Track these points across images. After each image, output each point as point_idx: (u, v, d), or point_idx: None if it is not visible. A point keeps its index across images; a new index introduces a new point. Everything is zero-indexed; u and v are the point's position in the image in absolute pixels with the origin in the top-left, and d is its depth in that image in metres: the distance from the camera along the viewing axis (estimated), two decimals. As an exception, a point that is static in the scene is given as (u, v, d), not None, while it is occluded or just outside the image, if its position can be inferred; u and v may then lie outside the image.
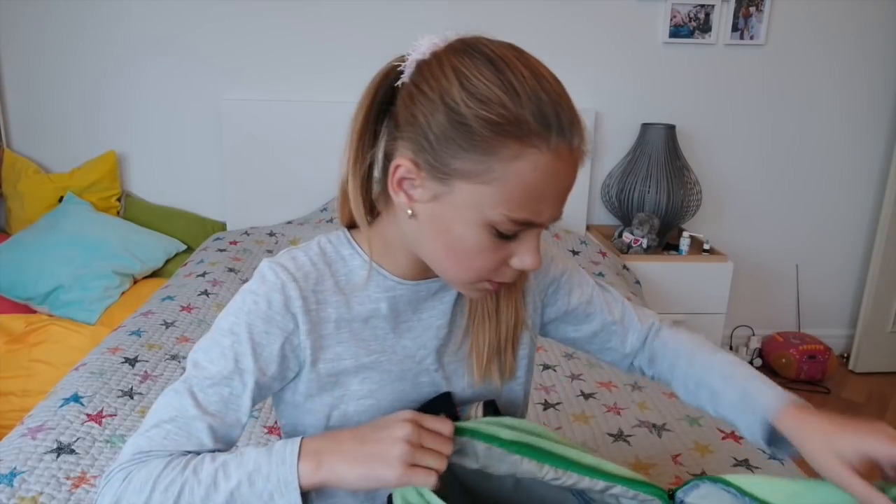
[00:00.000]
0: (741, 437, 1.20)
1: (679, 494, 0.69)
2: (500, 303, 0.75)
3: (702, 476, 0.70)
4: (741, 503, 0.65)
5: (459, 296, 0.74)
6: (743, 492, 0.65)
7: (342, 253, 0.71)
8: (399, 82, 0.63)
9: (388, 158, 0.65)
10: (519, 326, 0.77)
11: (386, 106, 0.65)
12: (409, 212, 0.63)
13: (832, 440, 0.63)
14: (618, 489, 0.67)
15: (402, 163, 0.61)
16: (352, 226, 0.73)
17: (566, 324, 0.84)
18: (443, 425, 0.63)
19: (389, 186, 0.63)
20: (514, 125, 0.56)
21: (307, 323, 0.67)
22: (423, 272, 0.71)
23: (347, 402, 0.70)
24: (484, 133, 0.56)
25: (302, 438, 0.62)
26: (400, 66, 0.64)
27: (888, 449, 0.60)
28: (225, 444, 0.65)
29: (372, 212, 0.70)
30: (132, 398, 1.24)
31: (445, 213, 0.61)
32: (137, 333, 1.51)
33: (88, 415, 1.16)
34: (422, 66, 0.62)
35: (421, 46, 0.63)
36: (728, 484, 0.66)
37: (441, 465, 0.60)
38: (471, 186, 0.59)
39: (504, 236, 0.61)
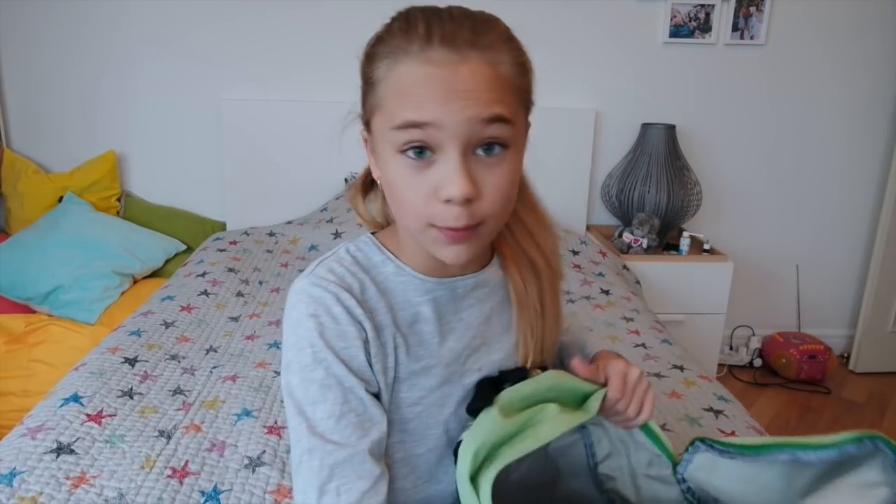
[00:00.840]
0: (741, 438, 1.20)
1: (679, 471, 0.72)
2: (544, 296, 0.74)
3: (693, 442, 0.73)
4: (731, 458, 0.68)
5: (493, 290, 0.74)
6: (729, 445, 0.69)
7: (374, 259, 0.69)
8: None
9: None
10: (559, 317, 0.77)
11: None
12: (379, 182, 0.67)
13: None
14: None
15: (362, 130, 0.67)
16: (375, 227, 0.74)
17: None
18: None
19: (370, 161, 0.68)
20: (382, 46, 0.61)
21: (372, 329, 0.65)
22: (453, 269, 0.70)
23: (395, 409, 0.69)
24: (369, 68, 0.62)
25: None
26: None
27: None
28: (382, 453, 0.66)
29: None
30: (132, 398, 1.24)
31: (379, 160, 0.64)
32: (137, 333, 1.51)
33: (88, 415, 1.16)
34: None
35: None
36: (716, 444, 0.70)
37: None
38: (376, 121, 0.63)
39: (411, 156, 0.59)
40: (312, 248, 2.17)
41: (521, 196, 0.73)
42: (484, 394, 0.68)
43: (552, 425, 0.65)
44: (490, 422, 0.63)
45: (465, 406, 0.71)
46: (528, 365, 0.74)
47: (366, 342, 0.65)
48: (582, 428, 0.78)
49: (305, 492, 0.61)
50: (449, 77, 0.57)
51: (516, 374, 0.70)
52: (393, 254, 0.69)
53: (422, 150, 0.59)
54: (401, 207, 0.62)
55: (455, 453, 0.64)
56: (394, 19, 0.63)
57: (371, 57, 0.62)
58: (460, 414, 0.71)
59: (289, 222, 2.42)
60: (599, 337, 0.90)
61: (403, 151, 0.59)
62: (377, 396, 0.67)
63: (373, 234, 0.73)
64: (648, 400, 0.72)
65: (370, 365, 0.66)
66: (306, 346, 0.63)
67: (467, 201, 0.58)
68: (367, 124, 0.65)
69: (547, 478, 0.78)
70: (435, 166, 0.59)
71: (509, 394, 0.67)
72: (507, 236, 0.74)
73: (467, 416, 0.70)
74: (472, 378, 0.72)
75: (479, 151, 0.59)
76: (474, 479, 0.61)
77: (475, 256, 0.68)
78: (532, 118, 0.69)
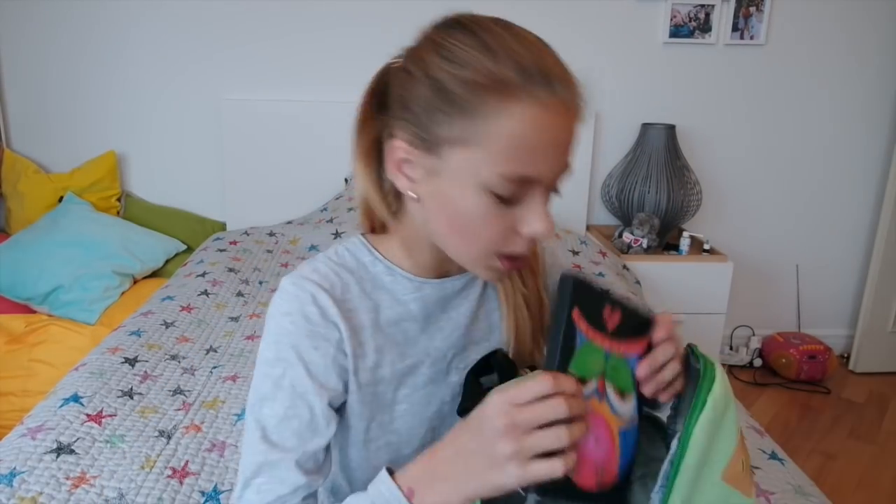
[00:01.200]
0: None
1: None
2: (527, 288, 0.74)
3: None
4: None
5: (484, 290, 0.74)
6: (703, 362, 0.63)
7: (362, 260, 0.70)
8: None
9: (386, 138, 0.65)
10: (545, 313, 0.77)
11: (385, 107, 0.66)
12: (413, 195, 0.63)
13: None
14: None
15: (398, 143, 0.62)
16: (370, 231, 0.73)
17: None
18: (539, 385, 0.51)
19: (389, 171, 0.64)
20: (492, 80, 0.56)
21: (348, 330, 0.65)
22: (446, 269, 0.71)
23: (384, 411, 0.69)
24: (463, 94, 0.56)
25: (393, 475, 0.58)
26: (395, 62, 0.65)
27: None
28: (316, 471, 0.64)
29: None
30: (132, 398, 1.24)
31: (444, 185, 0.60)
32: (137, 333, 1.51)
33: (88, 415, 1.16)
34: (408, 49, 0.63)
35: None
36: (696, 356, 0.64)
37: (565, 437, 0.50)
38: (461, 151, 0.58)
39: (505, 200, 0.58)
40: (312, 248, 2.17)
41: None
42: (472, 392, 0.68)
43: None
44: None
45: (455, 407, 0.71)
46: (517, 350, 0.74)
47: (339, 342, 0.65)
48: None
49: (239, 476, 0.64)
50: (564, 127, 0.58)
51: (502, 363, 0.69)
52: (383, 255, 0.70)
53: (513, 196, 0.59)
54: (469, 239, 0.61)
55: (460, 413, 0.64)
56: (476, 39, 0.57)
57: (463, 82, 0.56)
58: (446, 413, 0.72)
59: (289, 222, 2.42)
60: None
61: (494, 193, 0.58)
62: (342, 406, 0.68)
63: (363, 235, 0.73)
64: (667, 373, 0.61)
65: (345, 367, 0.66)
66: (272, 343, 0.64)
67: None
68: (430, 146, 0.60)
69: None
70: (520, 205, 0.60)
71: (498, 386, 0.66)
72: None
73: (459, 417, 0.70)
74: (457, 377, 0.72)
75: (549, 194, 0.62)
76: None
77: None
78: None
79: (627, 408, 0.59)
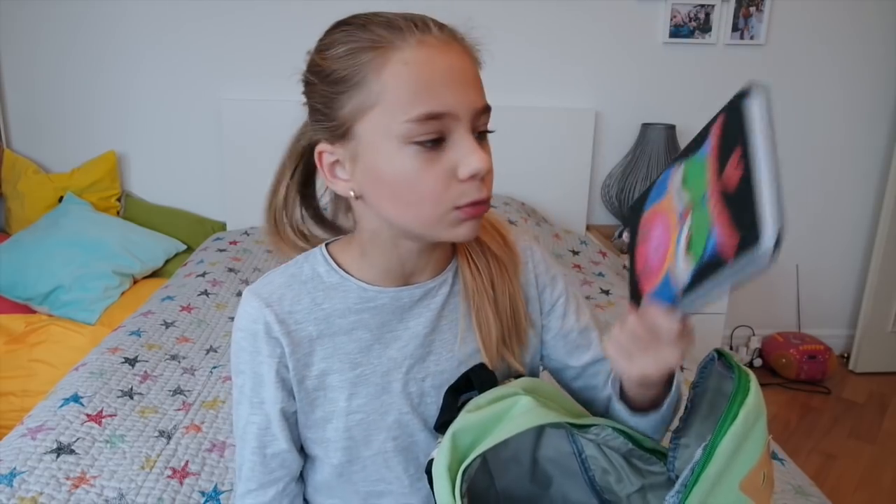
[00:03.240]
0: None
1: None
2: (496, 294, 0.73)
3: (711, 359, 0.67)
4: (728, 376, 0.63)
5: (447, 300, 0.73)
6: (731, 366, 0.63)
7: (318, 270, 0.71)
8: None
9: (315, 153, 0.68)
10: (520, 314, 0.74)
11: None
12: (353, 193, 0.64)
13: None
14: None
15: (321, 147, 0.65)
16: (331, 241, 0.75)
17: (561, 345, 0.79)
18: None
19: (327, 181, 0.66)
20: (366, 42, 0.59)
21: (290, 345, 0.68)
22: (403, 278, 0.71)
23: (339, 417, 0.70)
24: (344, 66, 0.60)
25: None
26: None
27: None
28: (280, 468, 0.73)
29: (335, 228, 0.75)
30: (132, 398, 1.24)
31: (369, 161, 0.61)
32: (137, 333, 1.51)
33: (88, 415, 1.16)
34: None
35: None
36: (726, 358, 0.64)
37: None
38: (367, 119, 0.60)
39: (428, 145, 0.59)
40: (312, 248, 2.17)
41: None
42: (449, 407, 0.68)
43: (529, 417, 0.62)
44: (459, 421, 0.63)
45: (416, 418, 0.71)
46: (491, 366, 0.72)
47: (282, 356, 0.69)
48: (573, 441, 0.74)
49: (236, 470, 0.75)
50: (448, 55, 0.60)
51: (482, 377, 0.68)
52: (339, 265, 0.71)
53: (436, 140, 0.59)
54: (416, 200, 0.61)
55: (428, 472, 0.63)
56: (345, 25, 0.63)
57: (341, 56, 0.60)
58: (406, 422, 0.72)
59: (289, 222, 2.42)
60: None
61: (417, 143, 0.59)
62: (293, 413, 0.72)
63: (327, 244, 0.74)
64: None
65: (285, 379, 0.70)
66: (233, 356, 0.71)
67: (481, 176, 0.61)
68: (342, 133, 0.62)
69: (536, 489, 0.76)
70: (448, 150, 0.60)
71: (475, 399, 0.65)
72: None
73: (435, 431, 0.70)
74: (416, 387, 0.72)
75: (475, 136, 0.62)
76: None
77: (435, 259, 0.71)
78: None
79: (683, 268, 0.55)
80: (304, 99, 0.68)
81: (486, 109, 0.62)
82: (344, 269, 0.70)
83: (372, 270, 0.70)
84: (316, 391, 0.70)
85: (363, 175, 0.63)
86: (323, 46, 0.63)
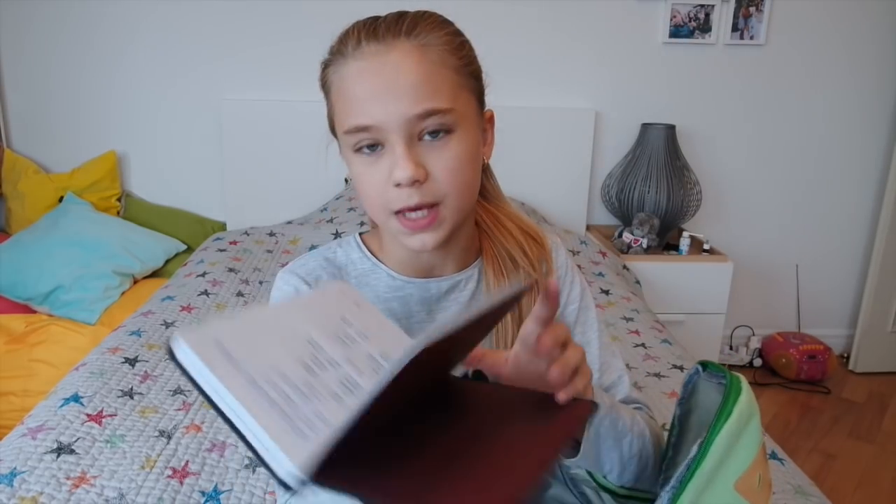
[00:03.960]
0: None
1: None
2: (522, 301, 0.72)
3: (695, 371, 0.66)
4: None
5: (475, 294, 0.74)
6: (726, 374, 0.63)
7: (352, 257, 0.73)
8: None
9: None
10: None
11: None
12: (347, 181, 0.69)
13: None
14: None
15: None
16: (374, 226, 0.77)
17: None
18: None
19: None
20: (328, 54, 0.67)
21: None
22: (424, 270, 0.71)
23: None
24: (322, 75, 0.69)
25: None
26: None
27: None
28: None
29: None
30: (132, 398, 1.24)
31: (345, 161, 0.69)
32: (137, 333, 1.51)
33: (88, 415, 1.16)
34: None
35: None
36: (717, 369, 0.65)
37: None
38: (336, 126, 0.68)
39: (366, 151, 0.64)
40: (312, 248, 2.16)
41: (488, 190, 0.76)
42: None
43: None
44: None
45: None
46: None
47: None
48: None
49: None
50: (378, 69, 0.62)
51: (475, 379, 0.67)
52: (372, 253, 0.73)
53: (373, 146, 0.64)
54: (365, 201, 0.67)
55: None
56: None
57: (323, 67, 0.68)
58: None
59: (289, 222, 2.42)
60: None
61: (358, 150, 0.65)
62: None
63: (361, 234, 0.77)
64: (579, 381, 0.54)
65: None
66: None
67: (416, 182, 0.62)
68: (333, 133, 0.70)
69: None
70: (385, 157, 0.64)
71: None
72: (487, 234, 0.75)
73: None
74: None
75: (426, 136, 0.63)
76: None
77: (455, 255, 0.71)
78: (488, 96, 0.72)
79: None
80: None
81: (428, 114, 0.62)
82: (376, 257, 0.73)
83: (395, 259, 0.72)
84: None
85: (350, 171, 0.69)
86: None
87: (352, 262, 0.73)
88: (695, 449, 0.57)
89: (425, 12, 0.66)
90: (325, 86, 0.68)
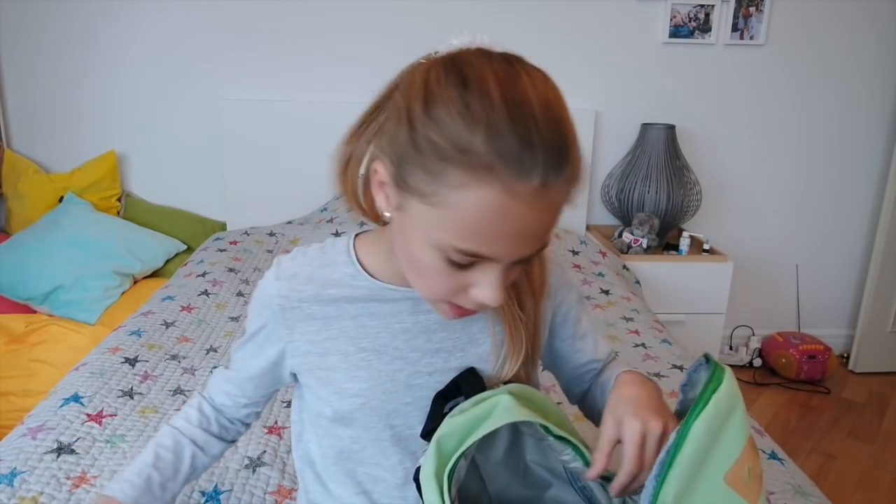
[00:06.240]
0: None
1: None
2: (524, 311, 0.72)
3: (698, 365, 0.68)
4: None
5: None
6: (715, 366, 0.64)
7: (336, 259, 0.72)
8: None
9: (372, 157, 0.63)
10: (539, 328, 0.75)
11: None
12: (387, 215, 0.63)
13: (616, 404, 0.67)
14: None
15: (378, 167, 0.60)
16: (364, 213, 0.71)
17: (567, 348, 0.82)
18: None
19: (373, 185, 0.62)
20: (461, 153, 0.52)
21: (284, 320, 0.72)
22: None
23: (340, 398, 0.72)
24: (432, 157, 0.53)
25: None
26: (421, 63, 0.61)
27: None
28: (233, 402, 0.84)
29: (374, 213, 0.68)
30: (132, 398, 1.24)
31: (406, 225, 0.59)
32: (137, 333, 1.51)
33: (88, 415, 1.16)
34: (408, 70, 0.60)
35: (447, 46, 0.61)
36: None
37: None
38: (422, 207, 0.55)
39: (458, 265, 0.57)
40: (312, 248, 2.17)
41: None
42: (436, 414, 0.68)
43: (507, 414, 0.62)
44: (444, 427, 0.63)
45: (419, 411, 0.71)
46: (506, 375, 0.72)
47: (273, 328, 0.73)
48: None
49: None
50: (527, 215, 0.54)
51: (471, 382, 0.69)
52: (358, 258, 0.71)
53: (465, 265, 0.58)
54: (419, 280, 0.62)
55: (416, 479, 0.62)
56: (470, 115, 0.52)
57: (437, 137, 0.53)
58: (407, 413, 0.72)
59: (289, 222, 2.42)
60: (626, 364, 0.81)
61: (447, 258, 0.57)
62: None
63: (356, 235, 0.74)
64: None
65: (284, 351, 0.74)
66: (249, 314, 0.78)
67: None
68: (400, 186, 0.57)
69: (528, 492, 0.76)
70: (471, 271, 0.58)
71: (461, 405, 0.66)
72: None
73: (424, 440, 0.69)
74: (421, 381, 0.72)
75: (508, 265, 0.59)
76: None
77: None
78: None
79: None
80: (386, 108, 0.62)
81: (536, 252, 0.58)
82: (361, 262, 0.71)
83: (391, 268, 0.69)
84: (319, 368, 0.73)
85: (399, 224, 0.61)
86: (431, 107, 0.54)
87: (334, 262, 0.72)
88: (673, 436, 0.59)
89: (569, 126, 0.55)
90: (434, 166, 0.53)
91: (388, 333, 0.71)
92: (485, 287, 0.58)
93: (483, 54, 0.57)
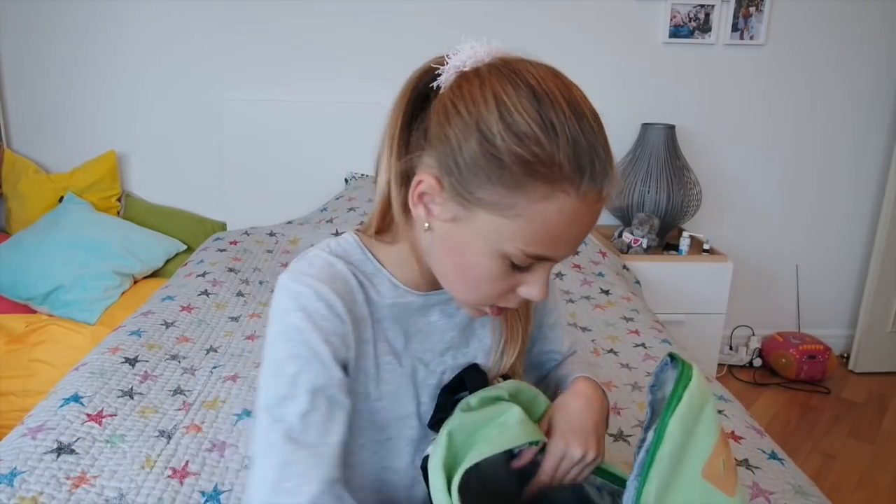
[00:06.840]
0: (740, 437, 1.20)
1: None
2: (528, 304, 0.75)
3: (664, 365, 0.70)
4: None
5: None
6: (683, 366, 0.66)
7: (355, 257, 0.70)
8: (434, 84, 0.62)
9: (410, 168, 0.63)
10: (531, 319, 0.79)
11: (419, 110, 0.64)
12: (427, 225, 0.62)
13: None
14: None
15: (425, 179, 0.60)
16: (377, 232, 0.72)
17: (536, 333, 0.86)
18: None
19: (409, 198, 0.62)
20: (547, 167, 0.55)
21: (351, 322, 0.65)
22: (433, 283, 0.71)
23: (362, 401, 0.71)
24: (515, 170, 0.55)
25: None
26: (437, 69, 0.62)
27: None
28: (340, 463, 0.63)
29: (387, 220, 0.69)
30: (132, 398, 1.24)
31: (462, 235, 0.60)
32: (137, 333, 1.51)
33: (88, 415, 1.16)
34: (462, 81, 0.59)
35: (461, 53, 0.61)
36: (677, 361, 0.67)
37: None
38: (492, 217, 0.58)
39: (517, 267, 0.61)
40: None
41: None
42: (443, 406, 0.71)
43: (513, 433, 0.66)
44: (454, 419, 0.66)
45: (428, 420, 0.73)
46: (504, 366, 0.76)
47: (345, 335, 0.65)
48: None
49: (260, 482, 0.60)
50: (594, 218, 0.61)
51: (475, 378, 0.72)
52: (374, 256, 0.71)
53: (525, 266, 0.61)
54: (468, 286, 0.64)
55: (423, 468, 0.64)
56: (552, 129, 0.55)
57: (513, 149, 0.55)
58: (422, 413, 0.74)
59: (289, 222, 2.42)
60: (585, 362, 0.88)
61: (510, 262, 0.60)
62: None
63: (356, 233, 0.73)
64: (583, 473, 0.72)
65: (346, 359, 0.66)
66: (282, 342, 0.63)
67: None
68: (461, 198, 0.58)
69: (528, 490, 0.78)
70: (528, 272, 0.62)
71: (466, 400, 0.69)
72: None
73: (431, 430, 0.72)
74: (435, 381, 0.74)
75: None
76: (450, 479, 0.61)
77: None
78: None
79: None
80: (440, 121, 0.59)
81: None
82: (380, 262, 0.70)
83: (403, 273, 0.70)
84: (354, 372, 0.69)
85: (447, 234, 0.61)
86: (509, 120, 0.55)
87: (357, 261, 0.70)
88: (651, 435, 0.61)
89: (603, 137, 0.60)
90: (509, 179, 0.56)
91: (405, 336, 0.72)
92: (535, 285, 0.63)
93: (531, 63, 0.60)
